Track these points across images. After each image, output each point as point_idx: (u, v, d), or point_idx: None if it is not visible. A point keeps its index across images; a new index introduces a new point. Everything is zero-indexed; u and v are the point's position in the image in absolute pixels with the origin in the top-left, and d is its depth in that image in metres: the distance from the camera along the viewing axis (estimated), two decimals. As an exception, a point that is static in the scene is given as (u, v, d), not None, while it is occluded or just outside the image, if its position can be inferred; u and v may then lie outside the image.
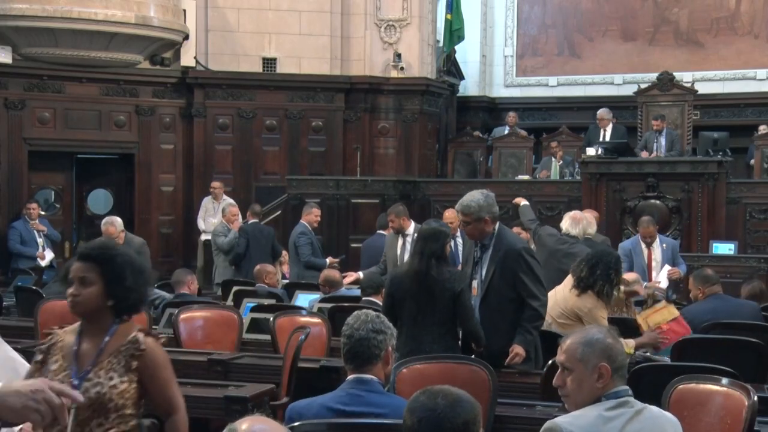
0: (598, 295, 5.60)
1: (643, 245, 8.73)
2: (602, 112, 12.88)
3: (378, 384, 3.42)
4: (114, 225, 8.68)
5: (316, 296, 7.52)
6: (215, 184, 12.18)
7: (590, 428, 2.82)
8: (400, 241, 8.42)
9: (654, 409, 3.00)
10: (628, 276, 7.44)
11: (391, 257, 8.37)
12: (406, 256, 8.13)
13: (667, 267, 8.55)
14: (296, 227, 9.77)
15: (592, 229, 7.63)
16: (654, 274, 8.61)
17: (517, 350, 5.07)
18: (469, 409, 2.58)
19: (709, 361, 4.51)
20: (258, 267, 8.43)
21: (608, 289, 5.63)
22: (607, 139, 12.40)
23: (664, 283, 8.37)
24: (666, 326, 5.41)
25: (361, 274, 8.14)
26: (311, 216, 9.83)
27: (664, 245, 8.79)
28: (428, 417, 2.54)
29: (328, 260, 9.71)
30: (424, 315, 5.01)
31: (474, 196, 5.30)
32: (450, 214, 8.62)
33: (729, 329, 5.61)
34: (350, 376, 3.44)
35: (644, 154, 11.80)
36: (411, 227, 8.46)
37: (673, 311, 5.42)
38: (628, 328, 5.79)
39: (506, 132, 14.57)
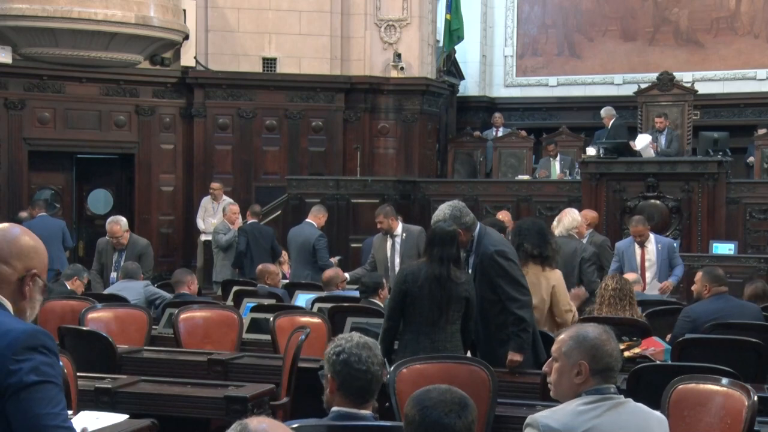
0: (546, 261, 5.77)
1: (636, 245, 8.68)
2: (604, 111, 12.92)
3: (373, 417, 3.17)
4: (119, 224, 8.69)
5: (312, 296, 7.53)
6: (215, 185, 12.17)
7: (565, 420, 2.89)
8: (389, 242, 8.40)
9: (639, 405, 3.02)
10: (628, 276, 7.44)
11: (381, 259, 8.35)
12: (397, 258, 8.15)
13: (656, 282, 8.49)
14: (307, 228, 9.58)
15: (573, 224, 7.59)
16: (648, 275, 8.52)
17: (511, 356, 5.11)
18: (474, 407, 2.62)
19: (709, 361, 4.51)
20: (260, 267, 8.42)
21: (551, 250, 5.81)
22: (610, 131, 12.43)
23: (652, 291, 8.33)
24: (640, 348, 5.44)
25: (347, 275, 8.14)
26: (322, 219, 9.81)
27: (659, 245, 8.70)
28: (456, 411, 2.59)
29: (333, 260, 9.72)
30: (443, 316, 5.03)
31: (442, 211, 5.30)
32: (504, 216, 8.64)
33: (731, 329, 5.61)
34: (343, 409, 3.11)
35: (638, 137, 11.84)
36: (399, 228, 8.45)
37: (635, 350, 5.44)
38: (631, 328, 5.79)
39: (494, 134, 14.58)
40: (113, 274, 8.52)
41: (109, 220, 8.94)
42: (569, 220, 7.61)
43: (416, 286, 5.04)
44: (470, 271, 5.31)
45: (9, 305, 2.43)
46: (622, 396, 2.99)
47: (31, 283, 2.46)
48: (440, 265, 5.02)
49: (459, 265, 5.11)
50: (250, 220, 10.36)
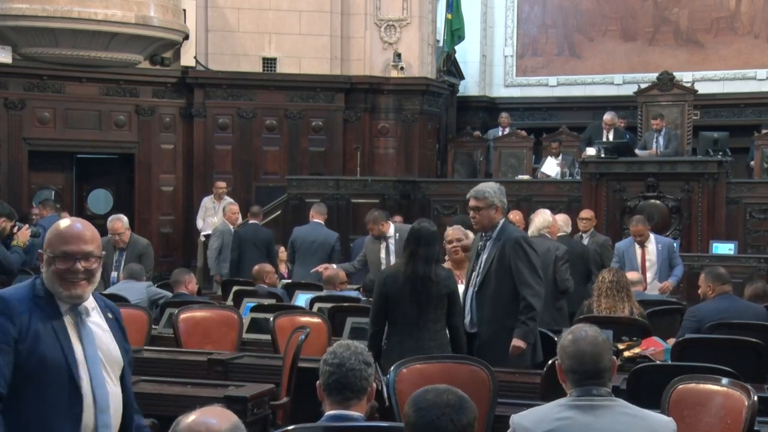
0: None
1: (637, 245, 8.69)
2: (611, 116, 12.83)
3: (363, 419, 3.19)
4: (121, 221, 8.71)
5: (311, 295, 7.53)
6: (220, 184, 12.14)
7: (536, 418, 2.95)
8: (382, 244, 8.45)
9: (628, 411, 2.97)
10: (631, 275, 7.47)
11: (374, 261, 8.41)
12: (392, 258, 8.18)
13: (657, 283, 8.50)
14: (322, 229, 9.56)
15: (545, 224, 7.64)
16: (649, 275, 8.52)
17: (515, 342, 5.15)
18: (473, 408, 2.61)
19: (709, 361, 4.51)
20: (257, 267, 8.41)
21: None
22: (610, 140, 12.37)
23: (652, 291, 8.33)
24: (640, 348, 5.46)
25: (335, 266, 8.22)
26: (326, 217, 9.82)
27: (659, 245, 8.71)
28: (448, 414, 2.58)
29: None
30: (424, 315, 5.08)
31: (488, 184, 5.47)
32: (515, 216, 8.62)
33: (732, 329, 5.61)
34: (332, 412, 3.13)
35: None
36: (391, 229, 8.48)
37: (635, 350, 5.48)
38: (631, 328, 5.79)
39: (500, 133, 14.57)
40: (114, 274, 8.53)
41: (110, 218, 8.96)
42: (540, 220, 7.65)
43: (396, 287, 5.10)
44: (486, 256, 5.33)
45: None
46: (603, 399, 2.95)
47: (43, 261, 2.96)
48: (417, 264, 5.08)
49: (438, 263, 5.21)
50: (251, 221, 10.33)
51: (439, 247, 5.21)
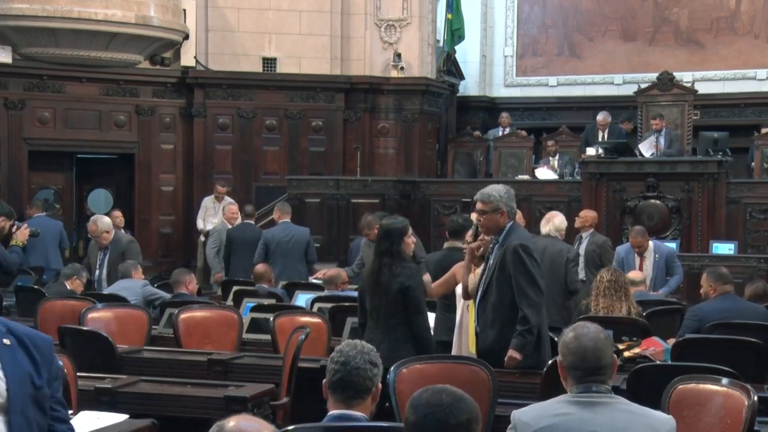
0: None
1: (635, 254, 8.73)
2: (604, 116, 12.87)
3: (366, 419, 3.16)
4: (96, 223, 8.50)
5: (312, 295, 7.55)
6: (221, 189, 12.12)
7: (536, 414, 2.99)
8: None
9: (628, 408, 2.99)
10: (634, 275, 7.52)
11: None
12: None
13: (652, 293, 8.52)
14: (296, 227, 9.70)
15: (562, 226, 7.77)
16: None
17: (510, 353, 5.07)
18: (472, 406, 2.61)
19: (709, 361, 4.51)
20: (257, 268, 8.43)
21: None
22: (605, 140, 12.41)
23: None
24: (640, 348, 5.47)
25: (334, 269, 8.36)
26: (291, 215, 9.89)
27: (657, 255, 8.72)
28: (434, 413, 2.56)
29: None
30: (380, 311, 5.32)
31: (495, 187, 5.38)
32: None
33: (732, 329, 5.61)
34: (335, 412, 3.12)
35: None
36: None
37: (635, 350, 5.49)
38: (631, 328, 5.79)
39: (500, 133, 14.58)
40: (97, 272, 8.55)
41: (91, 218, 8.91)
42: (559, 220, 7.85)
43: (362, 284, 5.51)
44: (491, 262, 5.30)
45: None
46: (603, 396, 2.97)
47: None
48: (373, 261, 5.39)
49: (396, 258, 5.33)
50: (245, 221, 10.44)
51: (392, 241, 5.34)
